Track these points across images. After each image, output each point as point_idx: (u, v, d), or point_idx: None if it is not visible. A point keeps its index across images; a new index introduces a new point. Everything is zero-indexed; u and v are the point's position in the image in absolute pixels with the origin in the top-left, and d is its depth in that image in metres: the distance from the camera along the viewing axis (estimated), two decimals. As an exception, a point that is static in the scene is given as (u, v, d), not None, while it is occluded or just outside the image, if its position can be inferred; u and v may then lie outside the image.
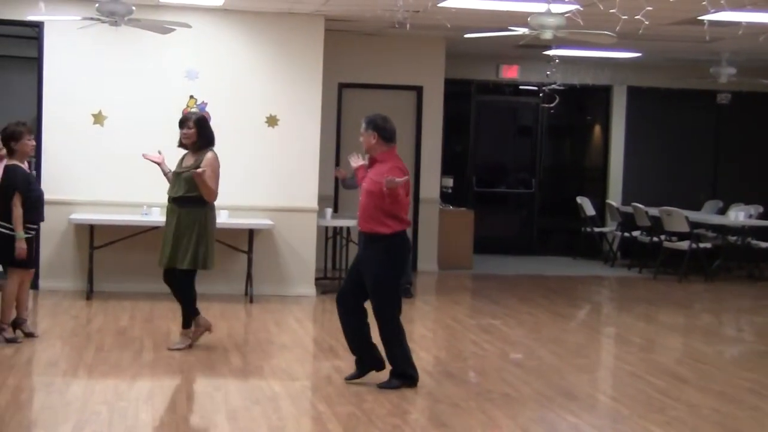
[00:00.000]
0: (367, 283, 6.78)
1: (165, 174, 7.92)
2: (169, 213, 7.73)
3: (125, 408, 6.16)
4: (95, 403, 6.30)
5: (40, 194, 7.99)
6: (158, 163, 7.94)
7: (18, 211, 7.62)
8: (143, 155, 8.11)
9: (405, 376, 6.87)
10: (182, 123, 7.74)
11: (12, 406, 6.06)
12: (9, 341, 7.71)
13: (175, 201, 7.67)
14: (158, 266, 7.87)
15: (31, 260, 7.92)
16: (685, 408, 6.69)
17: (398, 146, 11.67)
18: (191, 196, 7.59)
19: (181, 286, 7.78)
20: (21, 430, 5.63)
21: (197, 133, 7.65)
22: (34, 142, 7.97)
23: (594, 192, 15.57)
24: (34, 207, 7.79)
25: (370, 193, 6.77)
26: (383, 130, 6.86)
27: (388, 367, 6.91)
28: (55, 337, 8.17)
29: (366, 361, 6.93)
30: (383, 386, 6.80)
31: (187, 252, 7.59)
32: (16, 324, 7.88)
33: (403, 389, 6.83)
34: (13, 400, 6.19)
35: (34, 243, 8.00)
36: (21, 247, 7.60)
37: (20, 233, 7.61)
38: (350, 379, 6.94)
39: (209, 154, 7.65)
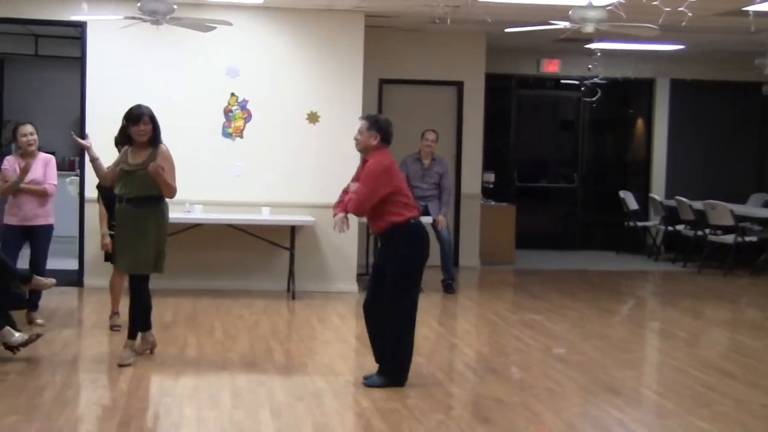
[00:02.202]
0: (388, 276, 6.67)
1: (93, 159, 7.29)
2: (122, 214, 7.15)
3: (170, 404, 6.21)
4: (140, 399, 6.36)
5: None
6: (86, 147, 7.37)
7: (102, 210, 8.28)
8: (73, 135, 7.71)
9: (396, 377, 6.72)
10: (137, 119, 7.07)
11: (59, 403, 6.12)
12: (112, 328, 8.32)
13: (130, 201, 7.11)
14: (122, 271, 7.47)
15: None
16: (732, 403, 6.62)
17: (440, 142, 11.84)
18: (149, 195, 7.10)
19: (144, 293, 7.30)
20: (68, 426, 5.68)
21: (153, 128, 7.14)
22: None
23: (637, 186, 15.45)
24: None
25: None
26: (386, 133, 6.72)
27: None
28: (100, 333, 8.25)
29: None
30: (368, 383, 6.71)
31: (150, 255, 7.14)
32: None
33: (444, 384, 6.82)
34: (59, 397, 6.26)
35: None
36: (104, 243, 8.29)
37: (104, 230, 8.27)
38: (368, 379, 6.80)
39: (163, 149, 7.15)
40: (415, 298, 6.78)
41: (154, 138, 7.15)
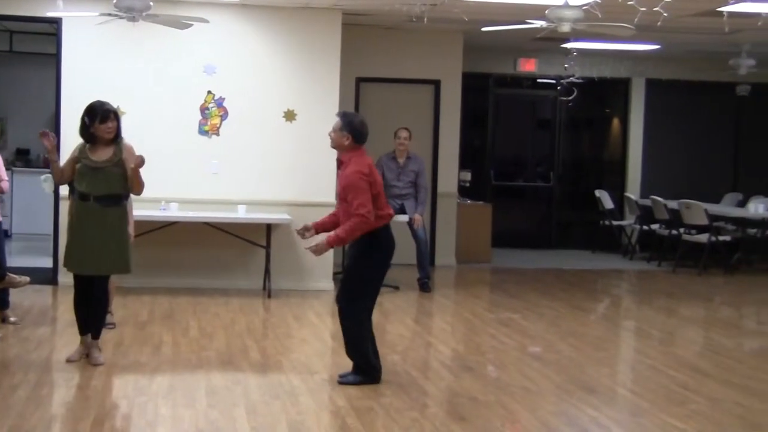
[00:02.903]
0: (344, 278, 6.69)
1: (53, 161, 7.04)
2: (88, 213, 6.94)
3: (145, 402, 6.18)
4: (115, 398, 6.33)
5: None
6: (50, 148, 6.97)
7: None
8: (40, 133, 7.50)
9: (367, 372, 6.75)
10: (104, 117, 6.91)
11: (32, 402, 6.08)
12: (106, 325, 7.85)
13: (98, 200, 6.92)
14: (70, 270, 7.17)
15: None
16: (706, 401, 6.66)
17: (417, 140, 11.86)
18: (116, 193, 6.98)
19: (105, 294, 7.19)
20: (41, 425, 5.65)
21: (118, 126, 7.00)
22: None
23: (613, 185, 15.52)
24: None
25: (342, 199, 6.67)
26: (359, 134, 6.67)
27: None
28: (74, 332, 8.19)
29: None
30: (343, 381, 6.73)
31: (119, 255, 7.00)
32: None
33: (420, 382, 6.83)
34: (33, 396, 6.21)
35: None
36: None
37: None
38: (343, 377, 6.82)
39: (128, 145, 7.04)
40: (369, 302, 6.75)
41: (117, 135, 7.03)
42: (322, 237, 6.69)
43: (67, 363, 7.02)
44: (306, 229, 6.81)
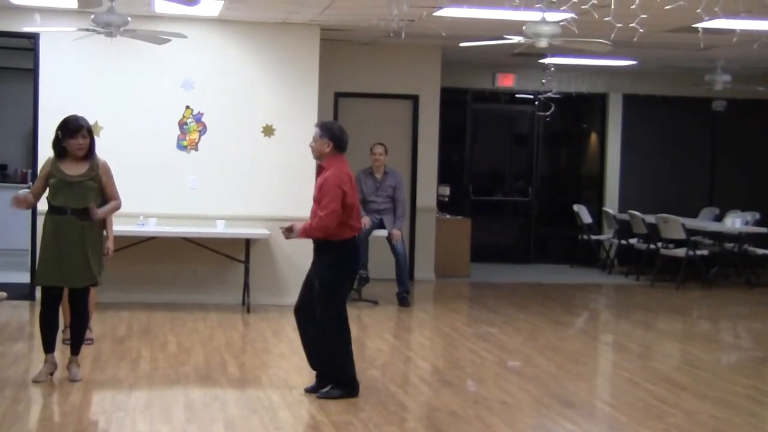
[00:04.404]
0: (316, 289, 6.73)
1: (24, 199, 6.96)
2: (66, 226, 6.86)
3: (122, 418, 6.15)
4: (93, 414, 6.31)
5: None
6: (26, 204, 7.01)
7: None
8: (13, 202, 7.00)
9: (349, 385, 6.79)
10: (74, 132, 6.84)
11: (9, 417, 6.05)
12: (65, 341, 7.72)
13: (75, 213, 6.86)
14: (45, 284, 6.99)
15: None
16: (683, 415, 6.69)
17: (395, 155, 11.91)
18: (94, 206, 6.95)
19: (85, 306, 7.10)
20: (18, 441, 5.62)
21: (91, 141, 6.95)
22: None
23: (591, 200, 15.59)
24: None
25: (317, 201, 6.77)
26: (339, 140, 6.78)
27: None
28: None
29: (327, 376, 6.83)
30: (323, 395, 6.73)
31: (94, 267, 6.96)
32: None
33: (398, 397, 6.83)
34: (10, 411, 6.18)
35: None
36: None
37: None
38: (309, 391, 6.85)
39: (103, 162, 7.01)
40: (342, 309, 6.80)
41: (91, 151, 6.99)
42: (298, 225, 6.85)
43: (33, 384, 6.87)
44: (290, 230, 6.87)
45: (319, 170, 6.90)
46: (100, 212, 6.95)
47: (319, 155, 6.84)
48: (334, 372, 6.79)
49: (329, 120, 7.15)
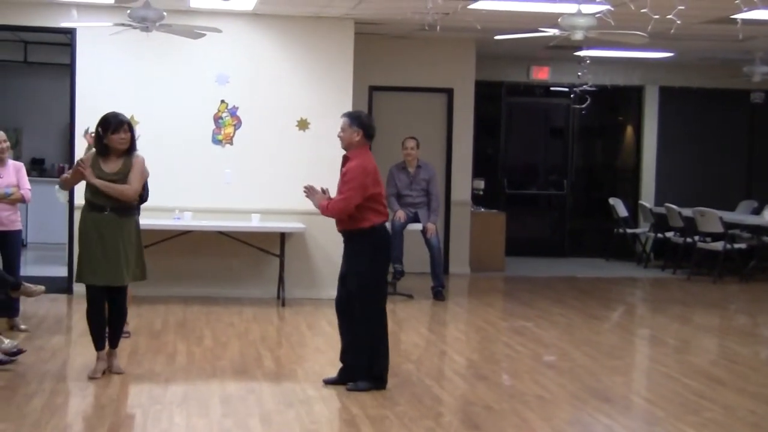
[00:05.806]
0: (351, 282, 6.74)
1: (84, 169, 6.93)
2: (106, 223, 6.90)
3: (159, 411, 6.19)
4: (130, 407, 6.34)
5: None
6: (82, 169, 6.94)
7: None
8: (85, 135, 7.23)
9: (379, 379, 6.79)
10: (117, 128, 6.90)
11: (47, 410, 6.10)
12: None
13: (114, 210, 6.91)
14: (87, 282, 7.00)
15: None
16: (721, 410, 6.63)
17: (430, 148, 11.88)
18: (130, 204, 7.01)
19: (123, 302, 7.17)
20: (56, 433, 5.67)
21: (132, 135, 7.00)
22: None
23: (626, 193, 15.49)
24: None
25: (340, 189, 6.79)
26: (368, 128, 6.83)
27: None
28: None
29: (358, 370, 6.81)
30: (351, 388, 6.74)
31: (137, 264, 7.04)
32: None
33: (434, 391, 6.83)
34: (48, 404, 6.23)
35: None
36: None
37: None
38: (329, 382, 6.89)
39: (140, 158, 7.04)
40: (382, 301, 6.83)
41: (132, 147, 7.04)
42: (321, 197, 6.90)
43: (89, 380, 6.91)
44: (313, 192, 6.94)
45: (344, 161, 6.91)
46: (96, 181, 6.85)
47: (348, 144, 6.85)
48: (370, 365, 6.78)
49: (354, 110, 7.16)
